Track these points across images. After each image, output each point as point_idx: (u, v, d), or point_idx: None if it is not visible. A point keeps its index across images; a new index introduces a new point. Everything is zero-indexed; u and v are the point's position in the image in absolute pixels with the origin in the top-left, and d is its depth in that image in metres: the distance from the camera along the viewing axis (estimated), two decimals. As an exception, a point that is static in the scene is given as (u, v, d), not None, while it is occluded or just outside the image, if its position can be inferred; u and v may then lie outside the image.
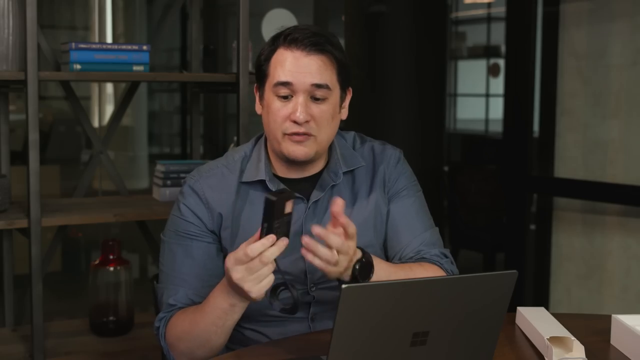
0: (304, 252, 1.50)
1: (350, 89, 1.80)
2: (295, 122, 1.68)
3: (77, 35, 6.55)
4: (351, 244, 1.53)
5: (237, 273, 1.48)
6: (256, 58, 1.78)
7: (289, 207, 1.47)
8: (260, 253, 1.46)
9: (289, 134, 1.69)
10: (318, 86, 1.68)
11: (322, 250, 1.49)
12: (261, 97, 1.76)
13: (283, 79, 1.68)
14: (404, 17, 4.27)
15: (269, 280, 1.49)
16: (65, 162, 6.25)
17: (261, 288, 1.49)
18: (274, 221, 1.46)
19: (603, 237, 3.53)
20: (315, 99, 1.69)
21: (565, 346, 1.58)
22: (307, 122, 1.68)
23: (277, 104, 1.70)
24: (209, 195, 1.77)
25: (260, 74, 1.75)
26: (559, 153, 3.68)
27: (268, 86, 1.72)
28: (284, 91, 1.68)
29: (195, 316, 1.65)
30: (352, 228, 1.52)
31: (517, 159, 3.73)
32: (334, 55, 1.70)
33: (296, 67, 1.67)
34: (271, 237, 1.46)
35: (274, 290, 1.55)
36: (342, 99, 1.77)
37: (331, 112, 1.71)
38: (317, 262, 1.51)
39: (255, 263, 1.46)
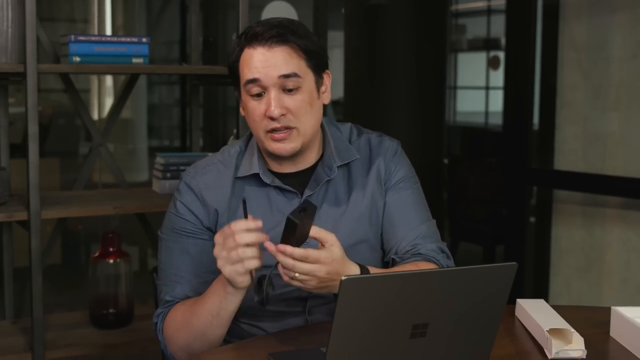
0: (286, 279, 1.51)
1: (329, 72, 1.78)
2: (271, 117, 1.67)
3: (76, 28, 6.54)
4: (334, 250, 1.52)
5: (216, 249, 1.52)
6: (228, 61, 1.77)
7: (293, 228, 1.47)
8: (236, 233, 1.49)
9: (269, 132, 1.69)
10: (286, 76, 1.66)
11: (280, 257, 1.49)
12: (240, 99, 1.76)
13: (250, 76, 1.67)
14: (404, 9, 4.26)
15: (243, 266, 1.49)
16: (64, 155, 6.25)
17: (233, 270, 1.50)
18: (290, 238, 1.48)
19: (603, 229, 3.53)
20: (288, 91, 1.68)
21: (564, 338, 1.58)
22: (283, 115, 1.67)
23: (252, 103, 1.69)
24: (205, 192, 1.77)
25: (234, 76, 1.74)
26: (559, 146, 3.68)
27: (242, 87, 1.71)
28: (255, 89, 1.67)
29: (193, 307, 1.66)
30: (329, 236, 1.51)
31: (517, 151, 3.73)
32: (298, 44, 1.68)
33: (261, 62, 1.66)
34: (255, 222, 1.49)
35: (259, 282, 1.56)
36: (320, 84, 1.75)
37: (307, 100, 1.69)
38: (295, 283, 1.51)
39: (230, 240, 1.49)
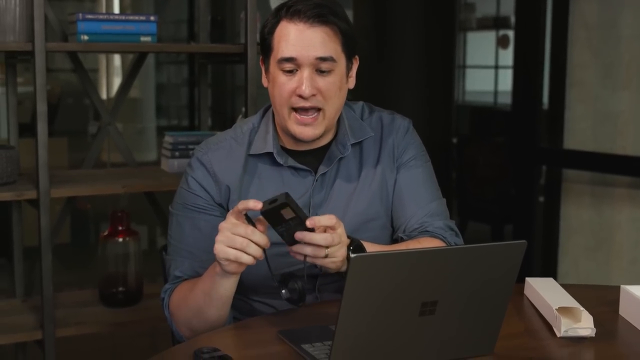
0: (292, 254, 1.51)
1: (357, 57, 1.78)
2: (301, 96, 1.67)
3: (84, 6, 6.53)
4: (339, 231, 1.52)
5: (224, 224, 1.51)
6: (260, 30, 1.77)
7: (287, 213, 1.46)
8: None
9: (295, 110, 1.68)
10: (323, 59, 1.66)
11: (307, 249, 1.49)
12: (267, 70, 1.75)
13: (287, 54, 1.66)
14: (413, -13, 4.24)
15: (236, 256, 1.48)
16: (73, 134, 6.26)
17: (226, 251, 1.48)
18: (275, 227, 1.48)
19: (612, 209, 3.52)
20: (320, 72, 1.67)
21: (573, 317, 1.58)
22: (313, 95, 1.67)
23: (282, 78, 1.68)
24: (217, 168, 1.77)
25: (265, 47, 1.73)
26: (568, 125, 3.66)
27: (273, 60, 1.70)
28: (288, 66, 1.67)
29: (193, 284, 1.66)
30: (330, 221, 1.50)
31: (526, 131, 3.72)
32: (338, 26, 1.68)
33: (300, 40, 1.65)
34: (254, 228, 1.49)
35: (284, 280, 1.57)
36: (349, 69, 1.75)
37: (338, 83, 1.70)
38: (325, 262, 1.52)
39: (242, 228, 1.48)
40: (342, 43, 1.69)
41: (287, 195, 1.45)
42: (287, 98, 1.68)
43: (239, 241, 1.48)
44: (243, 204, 1.49)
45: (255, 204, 1.47)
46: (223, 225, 1.51)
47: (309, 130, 1.69)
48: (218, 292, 1.59)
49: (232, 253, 1.49)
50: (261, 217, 1.49)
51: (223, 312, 1.64)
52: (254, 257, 1.49)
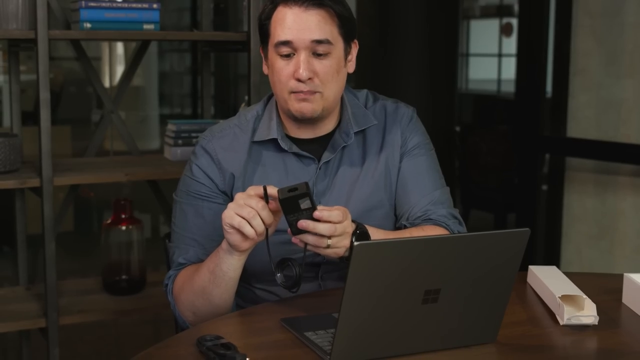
0: (294, 240, 1.51)
1: (356, 41, 1.78)
2: (298, 79, 1.67)
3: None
4: (345, 223, 1.52)
5: (238, 196, 1.53)
6: (258, 17, 1.77)
7: (304, 204, 1.46)
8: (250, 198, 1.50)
9: (294, 93, 1.69)
10: (318, 42, 1.66)
11: (309, 238, 1.49)
12: (266, 57, 1.75)
13: (283, 38, 1.66)
14: (416, -25, 4.22)
15: (240, 224, 1.49)
16: (76, 123, 6.26)
17: (229, 215, 1.50)
18: (287, 215, 1.48)
19: (615, 197, 3.52)
20: (317, 55, 1.68)
21: (576, 305, 1.58)
22: (310, 79, 1.67)
23: (280, 63, 1.69)
24: (221, 155, 1.77)
25: (263, 34, 1.74)
26: (572, 113, 3.65)
27: (270, 46, 1.71)
28: (285, 50, 1.67)
29: (198, 266, 1.67)
30: (338, 218, 1.50)
31: (529, 119, 3.71)
32: (334, 9, 1.68)
33: (295, 24, 1.66)
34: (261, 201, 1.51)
35: (280, 264, 1.58)
36: (347, 53, 1.75)
37: (335, 67, 1.70)
38: (327, 252, 1.52)
39: (254, 200, 1.50)
40: (338, 26, 1.69)
41: (307, 185, 1.46)
42: (285, 82, 1.69)
43: (246, 211, 1.50)
44: (271, 189, 1.51)
45: (272, 190, 1.50)
46: (240, 194, 1.53)
47: (307, 105, 1.69)
48: (222, 269, 1.59)
49: (237, 220, 1.50)
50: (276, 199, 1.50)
51: (227, 295, 1.64)
52: (256, 232, 1.50)
